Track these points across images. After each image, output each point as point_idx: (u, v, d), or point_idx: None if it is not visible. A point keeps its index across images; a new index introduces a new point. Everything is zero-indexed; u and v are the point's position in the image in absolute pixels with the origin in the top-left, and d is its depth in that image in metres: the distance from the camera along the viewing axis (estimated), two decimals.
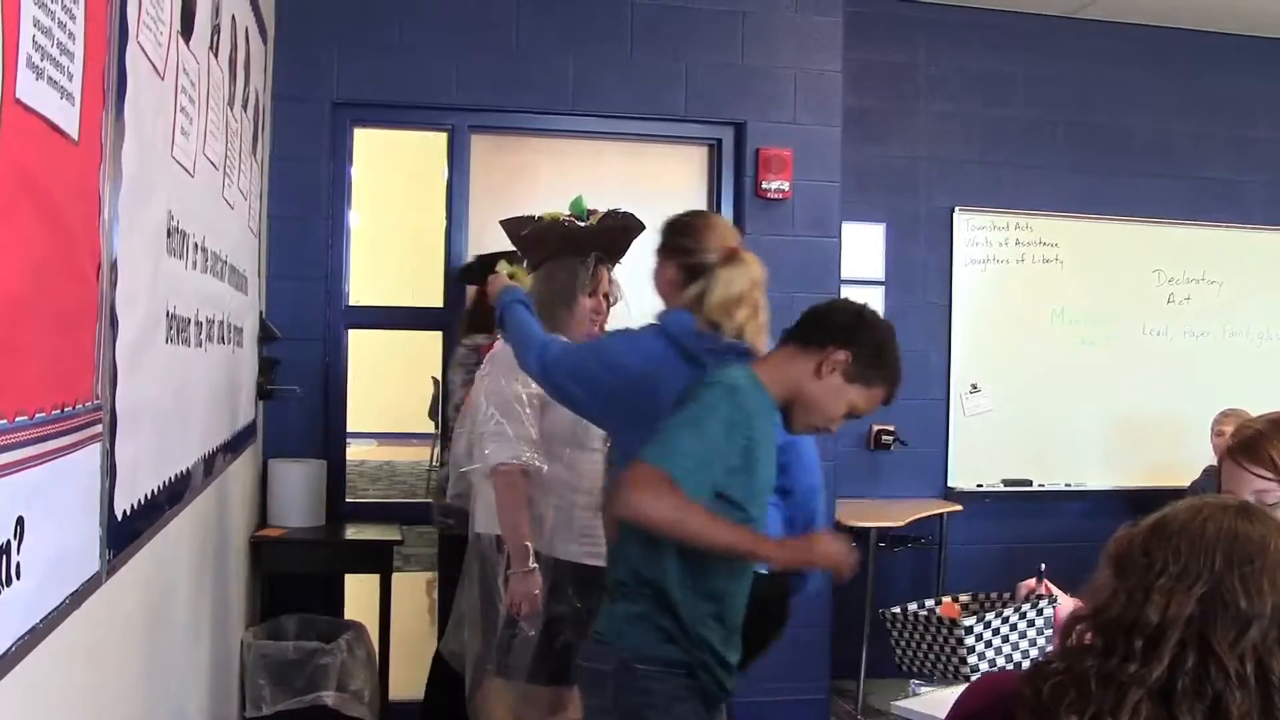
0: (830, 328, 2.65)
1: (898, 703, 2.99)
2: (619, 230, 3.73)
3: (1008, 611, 3.28)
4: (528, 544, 3.42)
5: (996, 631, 3.27)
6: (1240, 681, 1.32)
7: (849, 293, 5.58)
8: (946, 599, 3.62)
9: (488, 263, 4.27)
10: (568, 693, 3.51)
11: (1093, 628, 1.43)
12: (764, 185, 5.20)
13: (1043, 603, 3.19)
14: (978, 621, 3.30)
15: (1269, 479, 2.19)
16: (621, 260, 3.80)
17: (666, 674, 2.49)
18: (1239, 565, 1.36)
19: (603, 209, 3.74)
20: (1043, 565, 3.49)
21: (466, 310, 4.63)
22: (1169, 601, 1.36)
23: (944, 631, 3.23)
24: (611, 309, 3.68)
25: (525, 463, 3.42)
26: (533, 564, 3.41)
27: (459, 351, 4.45)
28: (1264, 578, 1.36)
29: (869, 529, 5.28)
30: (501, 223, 3.84)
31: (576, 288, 3.59)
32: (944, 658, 3.35)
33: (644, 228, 3.80)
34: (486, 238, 5.14)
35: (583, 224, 3.68)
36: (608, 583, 2.65)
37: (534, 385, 3.36)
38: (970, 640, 3.28)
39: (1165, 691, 1.34)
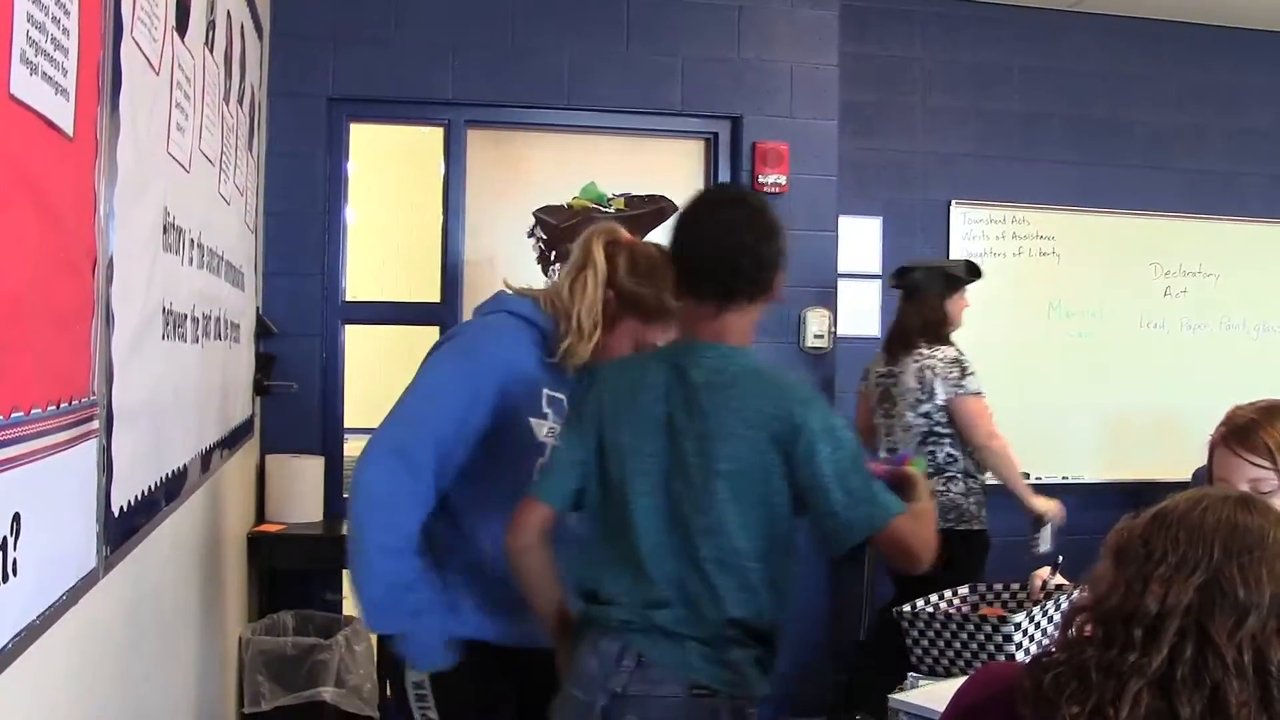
0: (763, 266, 2.32)
1: (895, 695, 2.99)
2: (652, 214, 3.71)
3: (1049, 605, 3.28)
4: None
5: (1038, 626, 3.26)
6: (1238, 671, 1.32)
7: (846, 288, 5.59)
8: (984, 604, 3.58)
9: (934, 272, 4.73)
10: None
11: (1093, 618, 1.44)
12: (760, 179, 5.19)
13: (1075, 593, 3.18)
14: (1026, 618, 3.30)
15: (1266, 467, 2.18)
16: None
17: (763, 707, 2.31)
18: (1237, 555, 1.37)
19: (614, 192, 3.72)
20: (1059, 557, 3.48)
21: (924, 318, 4.76)
22: (1167, 591, 1.37)
23: (986, 629, 3.22)
24: None
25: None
26: None
27: (935, 363, 4.65)
28: (1262, 567, 1.36)
29: None
30: (535, 213, 3.83)
31: None
32: (983, 656, 3.34)
33: (676, 209, 3.81)
34: (484, 232, 5.14)
35: (604, 209, 3.67)
36: (702, 634, 2.24)
37: None
38: (1018, 636, 3.27)
39: (1165, 681, 1.34)
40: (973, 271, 4.88)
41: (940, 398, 4.64)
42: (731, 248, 2.31)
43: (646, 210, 3.69)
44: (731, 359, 2.29)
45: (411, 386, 2.53)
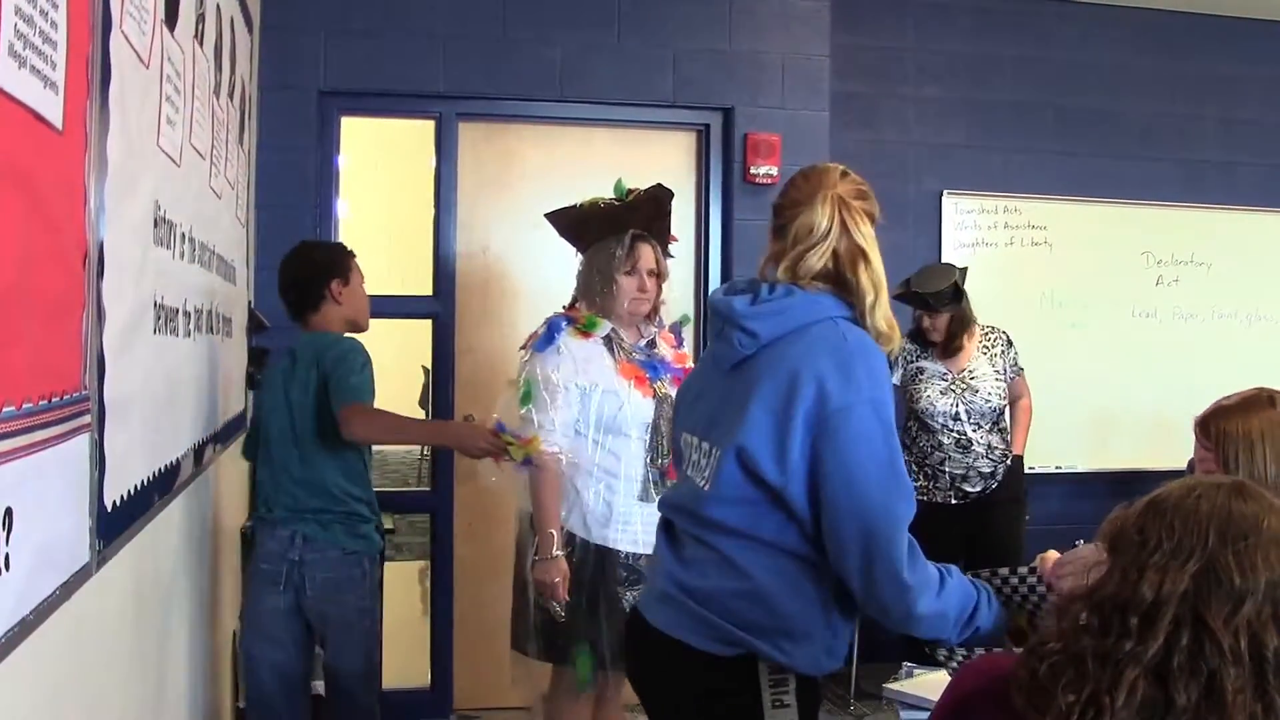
0: (304, 290, 3.61)
1: (889, 685, 3.00)
2: (650, 202, 3.67)
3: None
4: (553, 532, 3.41)
5: None
6: (1234, 658, 1.32)
7: None
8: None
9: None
10: (604, 679, 3.53)
11: (1088, 607, 1.44)
12: (752, 170, 5.19)
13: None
14: None
15: (1207, 449, 2.26)
16: (672, 235, 3.78)
17: None
18: (1232, 541, 1.37)
19: (642, 188, 3.69)
20: (1078, 541, 3.47)
21: None
22: (1163, 578, 1.37)
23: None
24: (662, 286, 3.67)
25: (561, 451, 3.42)
26: (557, 552, 3.40)
27: None
28: (1257, 554, 1.36)
29: None
30: (546, 215, 3.81)
31: (613, 268, 3.57)
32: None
33: (672, 195, 3.78)
34: (476, 226, 5.14)
35: (616, 202, 3.65)
36: (339, 519, 3.49)
37: (570, 372, 3.45)
38: None
39: (1161, 669, 1.34)
40: (912, 294, 5.07)
41: None
42: (286, 283, 3.63)
43: (645, 198, 3.66)
44: (314, 338, 3.55)
45: None
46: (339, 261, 3.64)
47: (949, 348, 5.13)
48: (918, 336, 5.21)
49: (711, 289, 5.26)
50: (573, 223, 3.70)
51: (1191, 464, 5.40)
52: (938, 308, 5.03)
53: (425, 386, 4.86)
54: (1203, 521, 1.39)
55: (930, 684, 2.79)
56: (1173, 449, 5.62)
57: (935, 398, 5.10)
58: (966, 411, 5.08)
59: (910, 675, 3.06)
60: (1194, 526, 1.39)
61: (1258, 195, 6.36)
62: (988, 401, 5.10)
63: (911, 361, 5.19)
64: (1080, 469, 6.06)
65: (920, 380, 5.15)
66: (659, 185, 3.70)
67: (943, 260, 5.98)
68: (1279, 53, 6.42)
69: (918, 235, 5.96)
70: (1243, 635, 1.33)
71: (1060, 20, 6.13)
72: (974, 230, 6.03)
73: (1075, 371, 6.03)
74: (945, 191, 5.98)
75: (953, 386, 5.12)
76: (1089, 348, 6.10)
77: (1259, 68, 6.39)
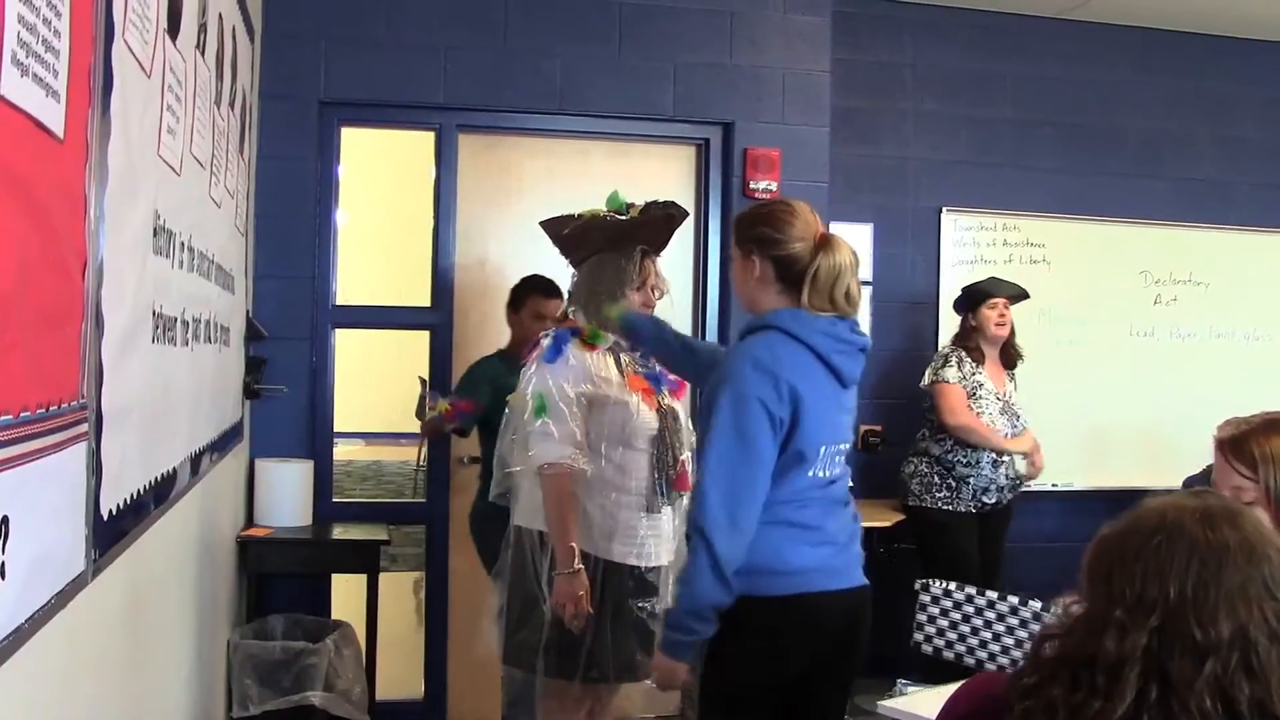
0: None
1: (884, 703, 2.99)
2: (663, 220, 3.63)
3: None
4: (574, 545, 3.35)
5: None
6: (1203, 716, 1.29)
7: None
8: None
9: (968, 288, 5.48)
10: (605, 691, 3.50)
11: (1059, 653, 1.41)
12: (752, 185, 5.20)
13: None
14: None
15: (1248, 477, 2.22)
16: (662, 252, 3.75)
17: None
18: (1194, 593, 1.33)
19: (640, 201, 3.65)
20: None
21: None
22: (1124, 635, 1.34)
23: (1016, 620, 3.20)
24: (659, 302, 3.63)
25: (572, 463, 3.38)
26: (578, 565, 3.34)
27: (935, 356, 5.54)
28: (1221, 607, 1.33)
29: None
30: (541, 223, 3.75)
31: (624, 282, 3.52)
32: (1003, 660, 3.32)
33: (687, 215, 3.75)
34: (474, 237, 5.14)
35: (623, 217, 3.60)
36: None
37: (581, 384, 3.42)
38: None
39: None
40: (977, 292, 5.43)
41: (924, 383, 5.39)
42: None
43: (658, 215, 3.62)
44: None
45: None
46: (518, 292, 4.59)
47: (1010, 357, 5.42)
48: (972, 350, 5.35)
49: (710, 304, 5.26)
50: (574, 233, 3.65)
51: (1188, 482, 5.40)
52: (1014, 297, 5.37)
53: (421, 397, 4.84)
54: (1164, 571, 1.36)
55: (923, 702, 2.78)
56: (1169, 467, 5.61)
57: (996, 415, 5.30)
58: (1012, 433, 5.32)
59: (904, 693, 3.05)
60: (1156, 576, 1.36)
61: (1255, 214, 6.37)
62: (1025, 427, 5.39)
63: (972, 374, 5.32)
64: (1076, 487, 6.06)
65: (981, 396, 5.30)
66: (673, 203, 3.67)
67: (940, 276, 6.00)
68: (1276, 72, 6.44)
69: (916, 251, 5.97)
70: (1208, 694, 1.30)
71: (1059, 38, 6.14)
72: (973, 247, 6.03)
73: (1072, 389, 6.03)
74: (945, 208, 5.99)
75: (1004, 410, 5.33)
76: (1086, 365, 6.10)
77: (1256, 87, 6.41)
